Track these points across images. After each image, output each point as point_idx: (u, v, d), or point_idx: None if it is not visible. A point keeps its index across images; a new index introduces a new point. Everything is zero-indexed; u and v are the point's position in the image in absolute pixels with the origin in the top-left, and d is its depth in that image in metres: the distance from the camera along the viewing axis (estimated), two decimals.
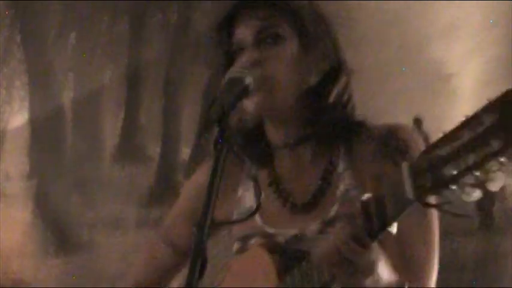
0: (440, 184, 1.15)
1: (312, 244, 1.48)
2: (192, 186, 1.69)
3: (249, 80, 1.43)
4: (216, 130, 1.32)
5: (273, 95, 1.50)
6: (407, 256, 1.47)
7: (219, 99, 1.35)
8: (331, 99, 1.55)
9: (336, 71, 1.58)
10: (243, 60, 1.50)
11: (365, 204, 1.27)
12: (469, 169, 1.12)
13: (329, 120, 1.55)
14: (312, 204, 1.56)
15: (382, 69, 22.32)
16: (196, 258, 1.18)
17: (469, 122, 1.14)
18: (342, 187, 1.55)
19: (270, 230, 1.56)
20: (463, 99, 26.85)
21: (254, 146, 1.53)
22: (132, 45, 15.30)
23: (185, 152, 14.10)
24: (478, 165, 1.11)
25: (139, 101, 15.98)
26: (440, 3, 23.46)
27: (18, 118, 14.15)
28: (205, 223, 1.23)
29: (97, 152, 14.43)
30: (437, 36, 24.57)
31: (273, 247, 1.49)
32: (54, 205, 11.13)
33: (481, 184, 1.12)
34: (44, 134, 12.46)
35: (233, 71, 1.45)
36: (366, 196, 1.28)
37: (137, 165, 13.72)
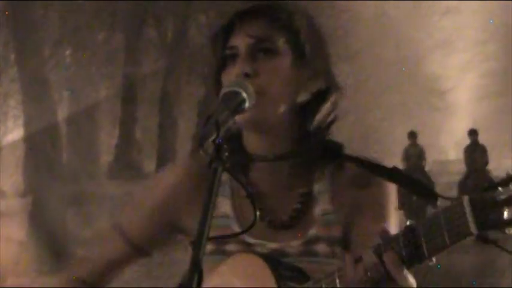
0: (503, 224, 1.21)
1: (296, 261, 1.49)
2: (160, 185, 1.66)
3: (245, 95, 1.42)
4: (210, 147, 1.31)
5: (263, 108, 1.49)
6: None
7: (214, 115, 1.34)
8: (317, 119, 1.55)
9: (325, 91, 1.58)
10: (236, 70, 1.50)
11: (410, 229, 1.27)
12: None
13: (311, 142, 1.55)
14: (290, 224, 1.55)
15: (378, 84, 22.36)
16: (193, 273, 1.17)
17: None
18: (318, 210, 1.55)
19: (249, 240, 1.55)
20: (458, 114, 26.91)
21: (231, 154, 1.51)
22: (127, 62, 15.33)
23: None
24: None
25: (134, 118, 15.99)
26: (435, 19, 23.55)
27: (13, 136, 14.14)
28: (202, 239, 1.22)
29: (92, 169, 14.41)
30: (432, 51, 24.63)
31: (273, 261, 1.49)
32: (49, 222, 11.11)
33: None
34: (39, 151, 12.44)
35: (229, 85, 1.44)
36: (410, 222, 1.30)
37: (133, 181, 13.69)
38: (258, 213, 1.36)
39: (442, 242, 1.24)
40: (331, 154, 1.56)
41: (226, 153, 1.32)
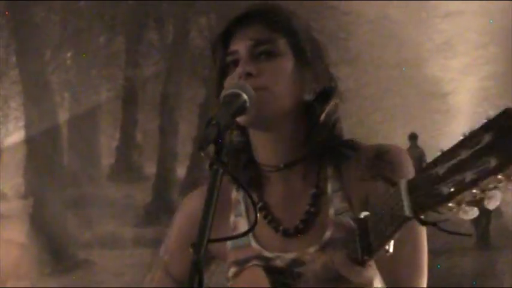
0: (438, 201, 1.13)
1: (311, 267, 1.46)
2: (184, 214, 1.66)
3: (246, 96, 1.42)
4: (211, 150, 1.30)
5: (267, 104, 1.48)
6: (394, 275, 1.44)
7: (216, 118, 1.34)
8: (321, 120, 1.54)
9: (327, 92, 1.56)
10: (236, 71, 1.50)
11: (361, 222, 1.25)
12: (466, 187, 1.11)
13: (319, 142, 1.54)
14: (303, 229, 1.54)
15: (379, 87, 22.35)
16: (193, 276, 1.17)
17: (467, 141, 1.13)
18: (332, 210, 1.53)
19: (268, 254, 1.54)
20: (459, 116, 26.91)
21: (243, 169, 1.51)
22: (128, 65, 15.33)
23: (181, 172, 14.09)
24: (475, 183, 1.10)
25: (135, 121, 15.97)
26: (436, 22, 23.54)
27: (14, 138, 14.14)
28: (202, 242, 1.22)
29: (93, 171, 14.41)
30: (433, 54, 24.63)
31: (270, 269, 1.48)
32: (50, 224, 11.11)
33: (478, 202, 1.11)
34: (39, 153, 12.44)
35: (229, 87, 1.44)
36: (363, 214, 1.26)
37: (133, 184, 13.69)
38: (258, 215, 1.36)
39: (384, 230, 1.20)
40: (339, 151, 1.54)
41: (227, 156, 1.31)
